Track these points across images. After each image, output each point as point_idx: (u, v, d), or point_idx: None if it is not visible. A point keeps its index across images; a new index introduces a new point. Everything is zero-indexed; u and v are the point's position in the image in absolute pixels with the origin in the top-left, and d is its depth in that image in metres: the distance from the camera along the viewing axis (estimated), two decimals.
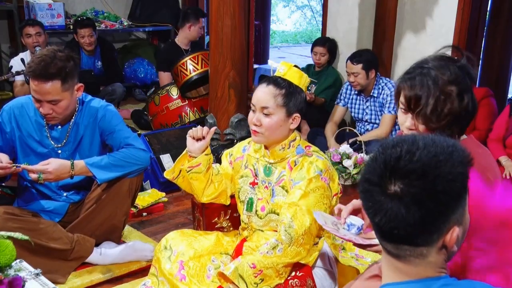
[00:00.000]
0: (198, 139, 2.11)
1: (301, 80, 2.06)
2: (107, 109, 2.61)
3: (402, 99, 1.67)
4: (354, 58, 4.04)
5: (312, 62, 4.94)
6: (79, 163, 2.43)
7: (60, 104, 2.39)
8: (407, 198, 0.99)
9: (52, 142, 2.53)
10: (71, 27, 5.33)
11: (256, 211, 2.13)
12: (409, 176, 0.99)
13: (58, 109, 2.39)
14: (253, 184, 2.14)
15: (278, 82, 2.02)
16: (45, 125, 2.51)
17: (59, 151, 2.54)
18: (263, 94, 2.01)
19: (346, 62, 4.11)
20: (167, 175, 2.21)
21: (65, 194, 2.64)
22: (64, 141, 2.53)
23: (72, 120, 2.53)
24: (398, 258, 1.07)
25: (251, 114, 2.06)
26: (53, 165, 2.37)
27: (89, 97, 2.63)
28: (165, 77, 4.83)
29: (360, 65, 4.00)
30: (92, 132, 2.57)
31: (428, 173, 0.98)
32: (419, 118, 1.63)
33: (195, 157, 2.11)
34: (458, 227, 1.04)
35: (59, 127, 2.53)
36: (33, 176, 2.35)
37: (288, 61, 2.17)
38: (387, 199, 1.00)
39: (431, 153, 1.00)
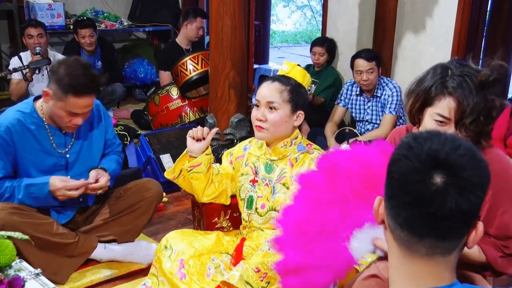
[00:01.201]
0: (198, 140, 2.12)
1: (304, 78, 2.09)
2: (99, 102, 2.63)
3: (443, 111, 1.61)
4: (366, 55, 4.03)
5: (311, 62, 4.94)
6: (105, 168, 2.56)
7: (89, 111, 2.41)
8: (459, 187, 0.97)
9: (57, 149, 2.48)
10: (71, 27, 5.34)
11: (256, 208, 2.13)
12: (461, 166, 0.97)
13: (87, 115, 2.41)
14: (253, 182, 2.15)
15: (283, 79, 2.06)
16: (48, 134, 2.45)
17: (68, 155, 2.51)
18: (269, 90, 2.04)
19: (353, 60, 4.06)
20: (167, 175, 2.21)
21: (81, 199, 2.57)
22: (70, 144, 2.50)
23: None
24: (420, 258, 1.02)
25: (254, 110, 2.08)
26: (101, 174, 2.49)
27: None
28: (165, 76, 4.84)
29: (373, 62, 3.99)
30: (99, 127, 2.58)
31: (475, 163, 0.99)
32: (462, 129, 1.59)
33: (195, 157, 2.11)
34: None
35: (63, 132, 2.48)
36: (96, 192, 2.47)
37: (288, 61, 2.19)
38: (445, 189, 0.97)
39: (471, 146, 1.01)
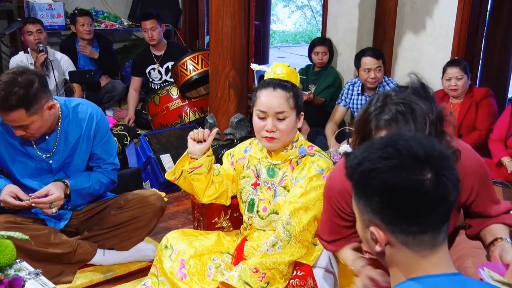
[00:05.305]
0: (199, 141, 2.11)
1: (297, 78, 2.07)
2: (102, 113, 2.57)
3: None
4: (373, 52, 4.02)
5: (309, 63, 4.92)
6: (67, 183, 2.48)
7: (31, 126, 2.30)
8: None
9: (40, 153, 2.46)
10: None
11: (258, 211, 2.13)
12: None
13: (30, 130, 2.32)
14: (255, 185, 2.14)
15: (283, 84, 1.99)
16: None
17: (50, 161, 2.49)
18: (275, 99, 1.97)
19: (359, 59, 4.06)
20: (168, 176, 2.20)
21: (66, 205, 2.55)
22: (53, 150, 2.47)
23: (59, 128, 2.46)
24: (441, 245, 1.10)
25: (260, 122, 2.00)
26: (55, 188, 2.39)
27: (75, 101, 2.55)
28: (134, 81, 4.99)
29: (381, 60, 4.01)
30: (87, 138, 2.52)
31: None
32: None
33: (196, 159, 2.10)
34: None
35: (47, 137, 2.45)
36: (50, 211, 2.37)
37: (288, 61, 2.17)
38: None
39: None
